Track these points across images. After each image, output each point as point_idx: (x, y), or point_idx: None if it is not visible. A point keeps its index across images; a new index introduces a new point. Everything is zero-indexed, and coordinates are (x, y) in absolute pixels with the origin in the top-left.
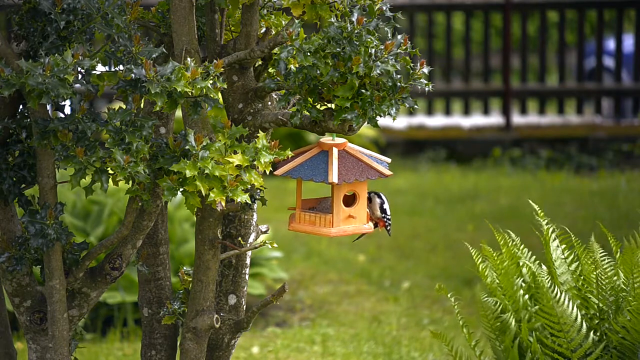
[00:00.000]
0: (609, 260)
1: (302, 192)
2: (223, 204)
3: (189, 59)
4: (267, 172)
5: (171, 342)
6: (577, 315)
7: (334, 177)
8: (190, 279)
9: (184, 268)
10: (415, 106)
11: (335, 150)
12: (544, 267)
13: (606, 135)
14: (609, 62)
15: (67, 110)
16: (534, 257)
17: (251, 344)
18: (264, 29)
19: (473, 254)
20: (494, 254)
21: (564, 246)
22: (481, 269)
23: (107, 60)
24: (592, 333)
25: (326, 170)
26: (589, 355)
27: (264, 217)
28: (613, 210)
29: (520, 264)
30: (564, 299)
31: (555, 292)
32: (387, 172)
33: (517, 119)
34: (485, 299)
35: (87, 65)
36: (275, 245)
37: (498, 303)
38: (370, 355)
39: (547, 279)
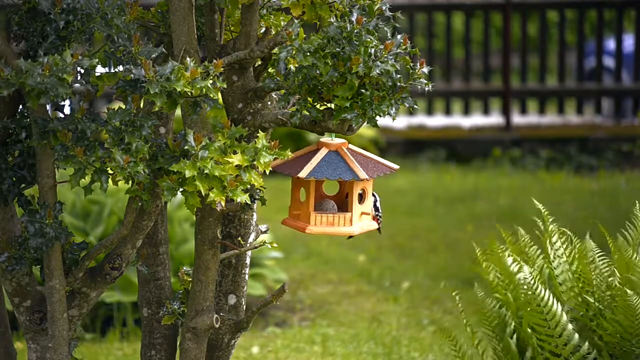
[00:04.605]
0: (606, 259)
1: (314, 193)
2: (223, 204)
3: (188, 59)
4: (267, 172)
5: (171, 342)
6: (563, 315)
7: (362, 173)
8: (190, 279)
9: (184, 268)
10: (415, 106)
11: (345, 149)
12: (526, 268)
13: (606, 135)
14: (609, 62)
15: (67, 110)
16: (542, 255)
17: (251, 344)
18: (263, 29)
19: (477, 250)
20: (500, 249)
21: (564, 246)
22: (485, 266)
23: (106, 60)
24: (591, 333)
25: (348, 168)
26: (583, 356)
27: (264, 217)
28: (613, 210)
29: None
30: (552, 300)
31: (542, 293)
32: (395, 166)
33: (517, 119)
34: (482, 295)
35: (86, 65)
36: (275, 245)
37: (497, 302)
38: (370, 355)
39: (531, 280)
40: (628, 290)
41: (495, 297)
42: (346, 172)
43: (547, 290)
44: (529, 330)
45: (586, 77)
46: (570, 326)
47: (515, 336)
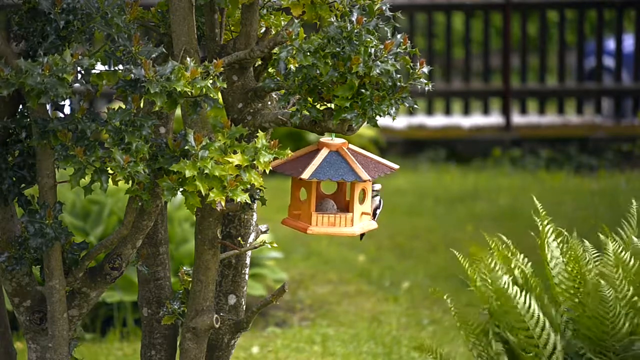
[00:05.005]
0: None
1: (315, 193)
2: (223, 203)
3: (188, 58)
4: (267, 172)
5: (171, 342)
6: (539, 315)
7: (365, 174)
8: (190, 279)
9: (184, 268)
10: (415, 106)
11: (346, 150)
12: (500, 272)
13: (606, 135)
14: (609, 62)
15: (67, 110)
16: (526, 258)
17: (251, 344)
18: (263, 29)
19: (460, 258)
20: (486, 257)
21: (560, 246)
22: (469, 273)
23: (106, 59)
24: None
25: (350, 169)
26: (579, 355)
27: (264, 217)
28: (613, 210)
29: (513, 265)
30: (525, 301)
31: (516, 295)
32: (395, 166)
33: (517, 119)
34: (464, 305)
35: (86, 65)
36: (275, 245)
37: (483, 309)
38: (370, 355)
39: (504, 282)
40: (601, 281)
41: (482, 305)
42: (348, 173)
43: (526, 294)
44: (508, 333)
45: (586, 77)
46: (548, 327)
47: (493, 339)
